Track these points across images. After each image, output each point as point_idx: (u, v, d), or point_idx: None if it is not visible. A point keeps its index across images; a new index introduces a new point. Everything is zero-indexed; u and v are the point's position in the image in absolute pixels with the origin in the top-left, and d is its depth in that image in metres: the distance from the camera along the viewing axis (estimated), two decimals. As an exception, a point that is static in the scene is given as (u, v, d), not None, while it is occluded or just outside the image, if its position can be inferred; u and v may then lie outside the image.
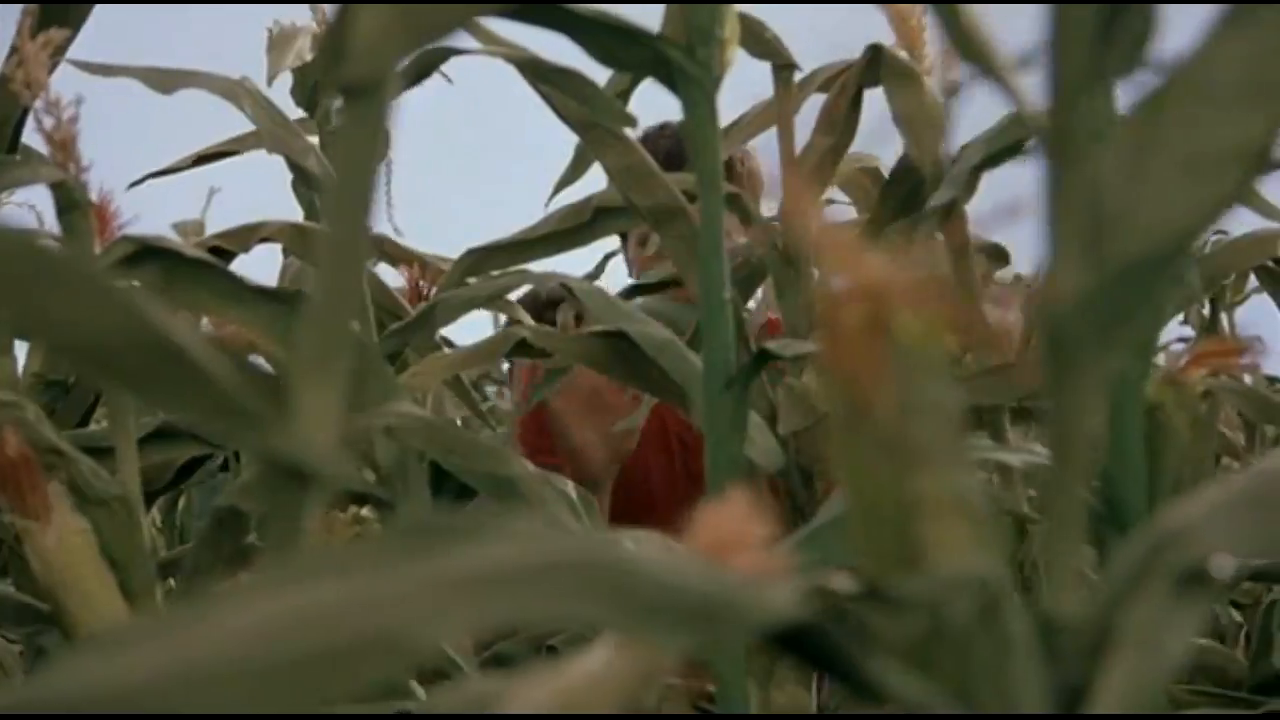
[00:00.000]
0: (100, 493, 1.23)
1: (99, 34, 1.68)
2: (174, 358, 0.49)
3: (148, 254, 1.22)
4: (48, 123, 1.25)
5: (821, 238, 0.42)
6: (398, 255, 1.91)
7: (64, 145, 1.26)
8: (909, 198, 1.68)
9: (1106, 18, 0.48)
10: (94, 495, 1.22)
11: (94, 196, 1.31)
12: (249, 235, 1.64)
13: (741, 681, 1.19)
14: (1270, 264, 2.21)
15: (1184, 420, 1.11)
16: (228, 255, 1.66)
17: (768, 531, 0.49)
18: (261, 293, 1.24)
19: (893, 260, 0.44)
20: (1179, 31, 0.48)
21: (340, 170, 0.51)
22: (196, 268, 1.21)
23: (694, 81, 1.20)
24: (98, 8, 1.61)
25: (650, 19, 1.32)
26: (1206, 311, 3.10)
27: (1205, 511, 0.50)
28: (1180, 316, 3.18)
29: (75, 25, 1.56)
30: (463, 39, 1.57)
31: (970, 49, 0.55)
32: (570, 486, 1.37)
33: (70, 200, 1.27)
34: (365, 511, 1.74)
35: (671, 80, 1.21)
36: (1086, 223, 0.47)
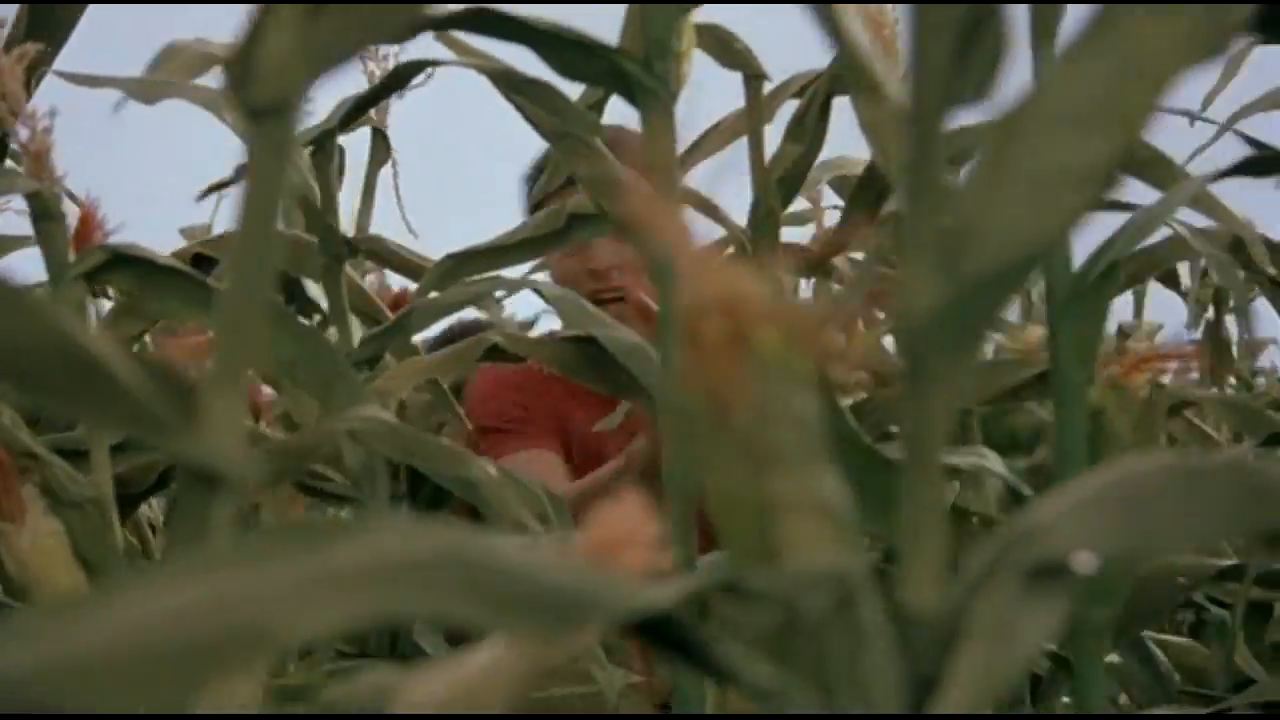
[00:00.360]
0: (73, 495, 1.26)
1: (96, 35, 1.71)
2: (88, 368, 0.52)
3: (120, 262, 1.25)
4: (23, 134, 1.28)
5: (678, 251, 0.45)
6: (390, 260, 1.93)
7: (38, 156, 1.29)
8: (877, 203, 1.71)
9: (961, 46, 0.50)
10: (67, 498, 1.26)
11: (81, 203, 1.34)
12: (229, 242, 1.67)
13: (700, 680, 1.22)
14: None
15: (1127, 423, 1.14)
16: (212, 262, 1.69)
17: (655, 530, 0.52)
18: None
19: (750, 274, 0.47)
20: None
21: (248, 188, 0.54)
22: (169, 276, 1.24)
23: (651, 94, 1.23)
24: (92, 8, 1.64)
25: (615, 27, 1.34)
26: (1211, 315, 3.12)
27: (1061, 509, 0.53)
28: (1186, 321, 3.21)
29: (61, 34, 1.59)
30: (438, 50, 1.60)
31: (853, 61, 0.58)
32: (539, 487, 1.39)
33: (45, 210, 1.30)
34: (345, 514, 1.77)
35: (630, 92, 1.24)
36: (940, 238, 0.50)
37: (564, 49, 1.22)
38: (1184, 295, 3.18)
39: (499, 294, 2.26)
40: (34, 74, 1.41)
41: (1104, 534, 0.52)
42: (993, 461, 1.43)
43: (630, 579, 0.47)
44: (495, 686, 0.54)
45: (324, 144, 1.61)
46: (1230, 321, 3.08)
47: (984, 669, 0.49)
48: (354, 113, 1.60)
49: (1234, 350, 3.18)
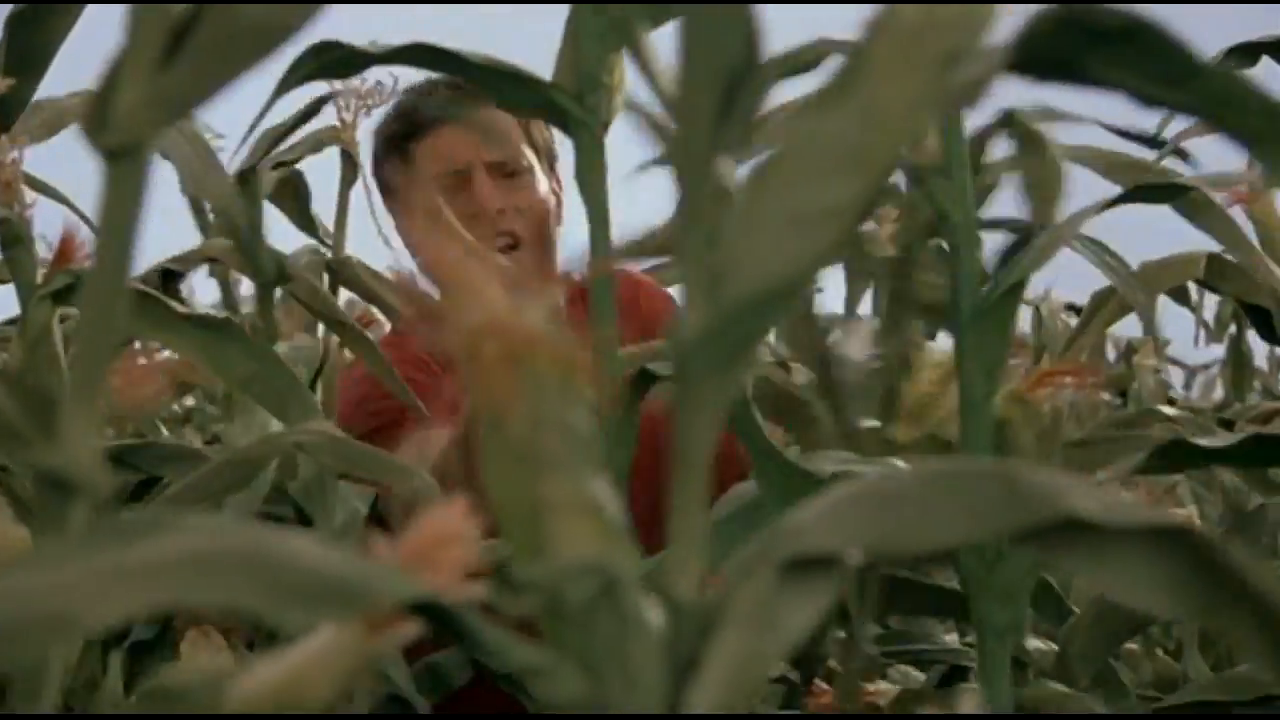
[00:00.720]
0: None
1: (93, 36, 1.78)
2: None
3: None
4: (-10, 163, 1.35)
5: (451, 274, 0.52)
6: (357, 286, 1.99)
7: (7, 185, 1.36)
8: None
9: (725, 100, 0.57)
10: (35, 506, 1.32)
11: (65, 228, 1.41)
12: (194, 257, 1.75)
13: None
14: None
15: (1030, 434, 1.21)
16: (179, 276, 1.77)
17: (473, 531, 0.59)
18: (191, 319, 1.33)
19: (522, 297, 0.54)
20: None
21: (102, 226, 0.60)
22: (132, 298, 1.31)
23: (583, 125, 1.29)
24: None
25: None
26: (1233, 331, 3.16)
27: (819, 510, 0.59)
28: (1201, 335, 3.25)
29: (41, 65, 1.66)
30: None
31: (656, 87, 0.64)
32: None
33: (13, 237, 1.37)
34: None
35: (563, 123, 1.30)
36: (708, 269, 0.56)
37: (500, 81, 1.29)
38: (1194, 310, 3.22)
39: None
40: (14, 105, 1.48)
41: (857, 531, 0.58)
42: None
43: (405, 571, 0.54)
44: (323, 674, 0.60)
45: (248, 179, 1.68)
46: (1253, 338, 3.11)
47: (741, 652, 0.55)
48: (271, 146, 1.68)
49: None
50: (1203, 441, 1.28)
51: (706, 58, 0.57)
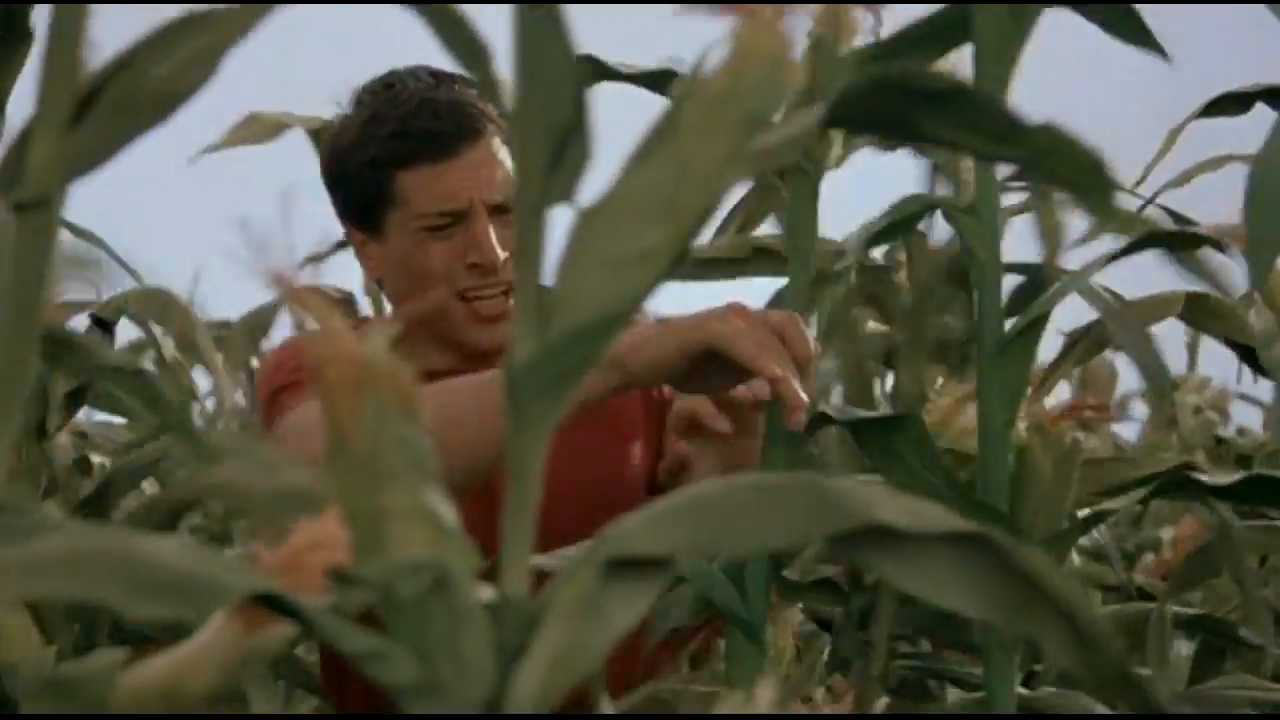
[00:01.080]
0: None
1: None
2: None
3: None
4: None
5: (295, 305, 0.59)
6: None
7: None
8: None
9: (555, 155, 0.64)
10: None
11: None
12: (118, 305, 1.84)
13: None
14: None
15: (1048, 462, 1.30)
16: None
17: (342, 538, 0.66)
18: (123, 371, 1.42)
19: (367, 335, 0.62)
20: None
21: (13, 273, 0.68)
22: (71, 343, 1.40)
23: (803, 175, 1.35)
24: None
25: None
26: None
27: (644, 518, 0.66)
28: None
29: None
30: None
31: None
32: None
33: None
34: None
35: (781, 170, 1.36)
36: (537, 305, 0.64)
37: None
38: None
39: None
40: None
41: (675, 537, 0.66)
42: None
43: (277, 572, 0.61)
44: (205, 668, 0.68)
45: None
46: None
47: (564, 642, 0.63)
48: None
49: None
50: (1204, 477, 1.37)
51: (538, 119, 0.65)
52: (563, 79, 0.65)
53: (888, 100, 0.72)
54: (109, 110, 0.70)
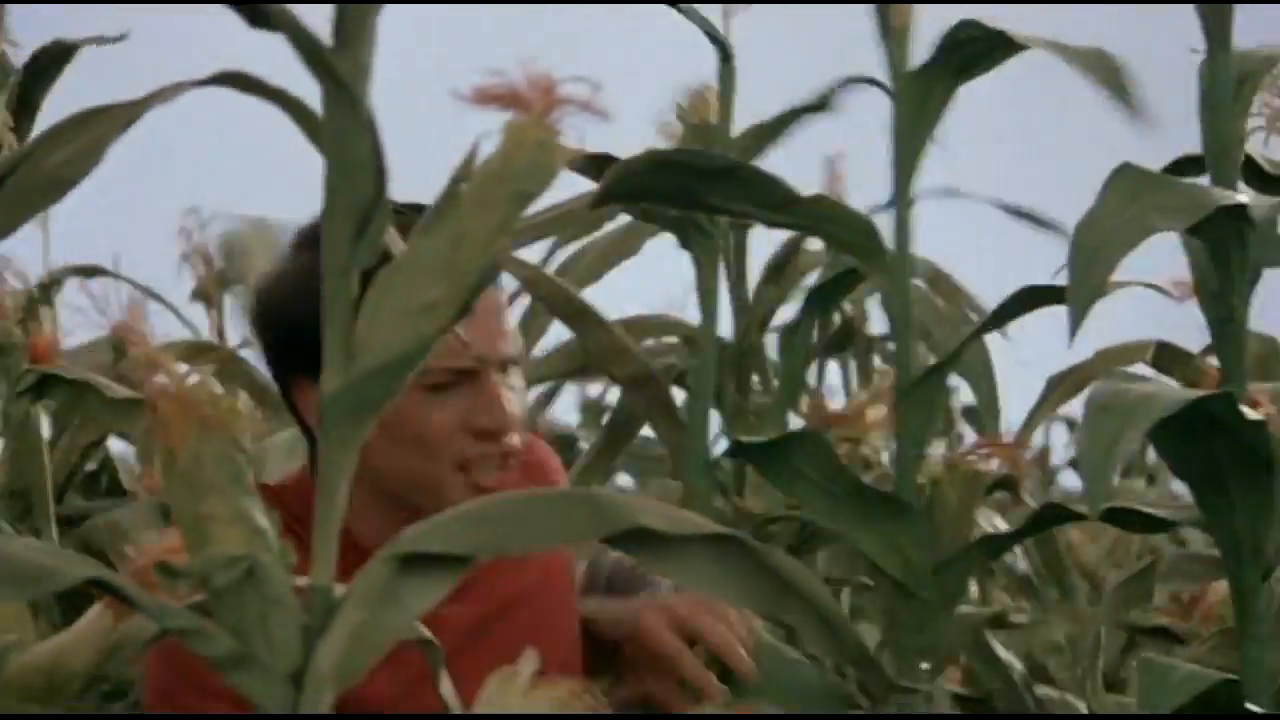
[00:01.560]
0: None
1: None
2: None
3: (54, 381, 1.57)
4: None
5: (135, 346, 0.74)
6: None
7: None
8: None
9: (359, 226, 0.79)
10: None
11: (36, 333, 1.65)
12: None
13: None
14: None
15: (954, 492, 1.45)
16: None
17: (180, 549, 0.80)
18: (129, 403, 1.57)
19: (197, 380, 0.76)
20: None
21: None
22: (84, 388, 1.55)
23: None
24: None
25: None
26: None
27: (437, 522, 0.80)
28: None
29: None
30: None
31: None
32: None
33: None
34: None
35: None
36: (344, 347, 0.78)
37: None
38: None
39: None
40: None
41: (459, 538, 0.80)
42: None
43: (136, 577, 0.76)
44: (81, 649, 0.82)
45: None
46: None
47: (359, 623, 0.77)
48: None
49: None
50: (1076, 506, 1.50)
51: (345, 194, 0.79)
52: (365, 162, 0.79)
53: (666, 176, 0.85)
54: (12, 193, 0.85)
